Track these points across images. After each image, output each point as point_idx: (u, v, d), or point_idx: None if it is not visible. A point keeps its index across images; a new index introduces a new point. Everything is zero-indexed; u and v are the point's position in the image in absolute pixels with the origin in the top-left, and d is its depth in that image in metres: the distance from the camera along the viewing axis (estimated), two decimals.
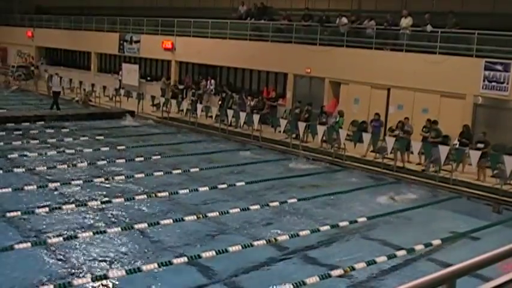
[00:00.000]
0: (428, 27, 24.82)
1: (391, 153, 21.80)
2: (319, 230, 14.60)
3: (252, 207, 16.13)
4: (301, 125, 24.80)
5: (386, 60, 25.69)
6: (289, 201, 17.11)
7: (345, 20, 28.08)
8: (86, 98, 35.43)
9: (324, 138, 24.23)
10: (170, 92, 34.34)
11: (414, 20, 25.60)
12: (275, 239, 13.70)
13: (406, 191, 19.25)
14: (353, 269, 12.08)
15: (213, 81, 34.30)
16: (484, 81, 22.41)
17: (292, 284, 10.96)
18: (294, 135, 25.03)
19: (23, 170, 19.20)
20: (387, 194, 18.53)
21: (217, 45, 33.45)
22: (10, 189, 16.63)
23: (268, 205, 16.58)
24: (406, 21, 25.73)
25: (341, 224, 15.18)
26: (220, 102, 31.61)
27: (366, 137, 22.87)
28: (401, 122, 23.13)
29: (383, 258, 12.81)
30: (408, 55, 25.04)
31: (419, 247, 13.80)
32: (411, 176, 20.79)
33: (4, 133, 25.47)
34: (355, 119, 25.81)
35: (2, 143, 23.24)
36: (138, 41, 39.13)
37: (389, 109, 25.56)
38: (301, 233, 14.17)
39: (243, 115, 27.56)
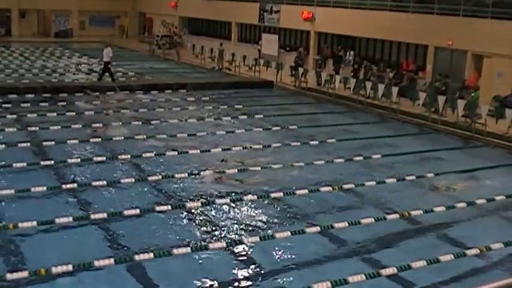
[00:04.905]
0: None
1: None
2: (454, 207, 14.37)
3: (387, 181, 16.09)
4: (441, 99, 24.19)
5: None
6: (427, 175, 16.87)
7: None
8: (221, 63, 36.51)
9: (464, 113, 23.51)
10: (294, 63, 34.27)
11: None
12: (408, 213, 13.63)
13: None
14: (489, 249, 11.84)
15: (351, 52, 34.08)
16: None
17: (426, 261, 10.91)
18: (432, 109, 24.47)
19: (164, 136, 20.00)
20: None
21: (357, 15, 33.14)
22: (152, 154, 17.48)
23: (404, 179, 16.46)
24: None
25: (478, 201, 14.82)
26: (352, 74, 31.40)
27: (509, 112, 21.98)
28: None
29: None
30: None
31: None
32: None
33: (148, 100, 26.64)
34: (497, 93, 24.83)
35: (146, 109, 24.32)
36: (278, 11, 39.39)
37: None
38: (436, 209, 14.00)
39: (381, 87, 27.25)
